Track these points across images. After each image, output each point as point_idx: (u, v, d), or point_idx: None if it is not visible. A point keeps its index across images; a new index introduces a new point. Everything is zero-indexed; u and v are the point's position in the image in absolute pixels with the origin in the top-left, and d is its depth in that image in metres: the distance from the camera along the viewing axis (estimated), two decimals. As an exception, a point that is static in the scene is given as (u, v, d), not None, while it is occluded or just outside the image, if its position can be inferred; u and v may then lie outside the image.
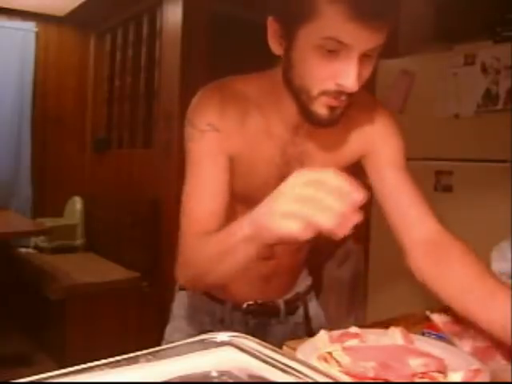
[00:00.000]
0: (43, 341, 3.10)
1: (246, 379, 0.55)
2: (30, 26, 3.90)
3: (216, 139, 0.93)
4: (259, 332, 1.10)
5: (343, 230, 0.61)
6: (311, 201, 0.61)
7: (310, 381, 0.51)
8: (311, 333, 1.11)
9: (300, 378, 0.52)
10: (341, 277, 3.03)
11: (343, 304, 3.00)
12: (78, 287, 2.95)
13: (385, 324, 0.91)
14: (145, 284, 3.18)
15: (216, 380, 0.55)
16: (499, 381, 0.73)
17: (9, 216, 3.45)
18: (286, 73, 0.89)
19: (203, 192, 0.92)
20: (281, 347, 0.98)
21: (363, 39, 0.78)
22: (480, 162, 2.29)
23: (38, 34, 3.95)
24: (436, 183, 2.43)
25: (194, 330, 1.09)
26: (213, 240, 0.83)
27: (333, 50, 0.79)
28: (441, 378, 0.70)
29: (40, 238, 3.76)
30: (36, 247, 3.80)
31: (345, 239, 3.10)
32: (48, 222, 3.59)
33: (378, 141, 1.01)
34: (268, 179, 0.96)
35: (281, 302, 1.15)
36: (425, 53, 2.57)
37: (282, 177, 0.90)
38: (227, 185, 0.92)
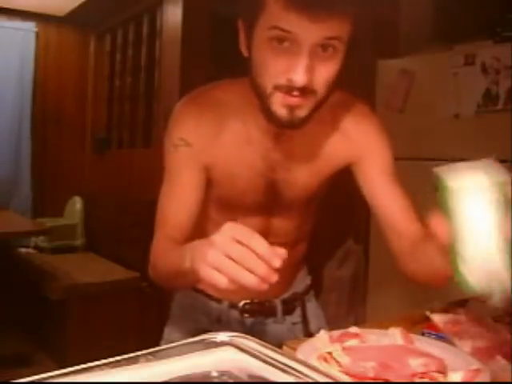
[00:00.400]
0: (43, 341, 3.10)
1: (246, 379, 0.55)
2: (30, 26, 3.90)
3: (187, 154, 0.97)
4: (256, 331, 1.10)
5: (261, 287, 0.66)
6: (239, 260, 0.65)
7: (309, 381, 0.51)
8: (309, 333, 1.12)
9: (300, 378, 0.52)
10: (341, 277, 3.03)
11: (343, 304, 3.00)
12: (78, 287, 2.95)
13: (385, 324, 0.91)
14: (145, 284, 3.17)
15: (216, 380, 0.55)
16: (499, 381, 0.73)
17: (9, 216, 3.45)
18: (250, 75, 0.89)
19: (173, 202, 0.99)
20: (279, 347, 0.97)
21: (310, 30, 0.77)
22: (480, 162, 2.28)
23: (38, 34, 3.95)
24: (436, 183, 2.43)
25: (192, 330, 1.09)
26: (173, 255, 0.86)
27: (281, 39, 0.79)
28: (441, 378, 0.70)
29: (40, 238, 3.76)
30: (36, 247, 3.80)
31: (345, 239, 3.10)
32: (48, 222, 3.59)
33: (368, 149, 1.02)
34: (250, 185, 0.99)
35: (278, 302, 1.15)
36: (425, 53, 2.57)
37: (268, 182, 1.01)
38: (195, 197, 0.97)
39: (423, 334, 0.93)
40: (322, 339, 0.78)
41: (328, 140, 1.01)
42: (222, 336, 0.61)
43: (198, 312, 1.13)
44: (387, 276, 2.72)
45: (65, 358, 2.81)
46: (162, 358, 0.55)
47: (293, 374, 0.52)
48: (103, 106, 4.15)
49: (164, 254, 0.92)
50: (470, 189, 0.63)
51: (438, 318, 0.94)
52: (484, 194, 0.62)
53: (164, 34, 3.25)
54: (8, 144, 3.86)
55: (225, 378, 0.55)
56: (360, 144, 1.02)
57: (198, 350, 0.58)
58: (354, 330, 0.82)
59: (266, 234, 0.94)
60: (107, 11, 3.76)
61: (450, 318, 0.94)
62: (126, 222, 3.39)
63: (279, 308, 1.15)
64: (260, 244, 0.65)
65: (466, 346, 0.84)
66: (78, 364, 0.52)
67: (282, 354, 0.56)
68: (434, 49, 2.52)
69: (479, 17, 2.41)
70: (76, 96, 4.21)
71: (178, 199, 0.98)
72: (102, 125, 4.15)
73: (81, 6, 3.67)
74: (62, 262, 3.40)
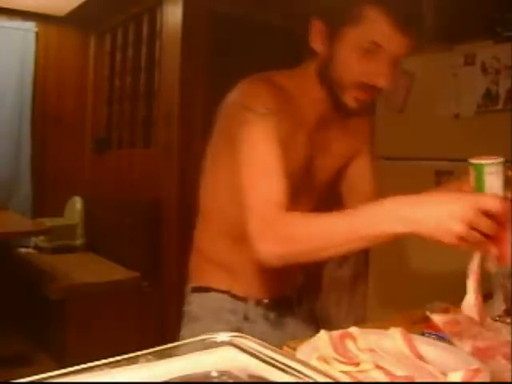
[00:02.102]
0: (43, 341, 3.10)
1: (246, 379, 0.55)
2: (30, 26, 3.89)
3: (274, 122, 0.99)
4: (278, 324, 1.19)
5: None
6: (479, 228, 0.74)
7: (309, 381, 0.51)
8: (317, 320, 1.29)
9: (300, 378, 0.52)
10: (341, 277, 3.03)
11: (343, 304, 3.00)
12: (77, 287, 2.95)
13: (385, 324, 0.91)
14: (145, 284, 3.18)
15: (216, 380, 0.55)
16: (499, 381, 0.73)
17: (9, 216, 3.45)
18: (322, 68, 1.02)
19: (271, 170, 0.95)
20: (293, 336, 1.11)
21: (398, 46, 0.94)
22: (480, 162, 2.28)
23: (37, 34, 3.95)
24: (436, 183, 2.43)
25: (223, 330, 1.10)
26: (335, 223, 0.85)
27: (371, 50, 0.94)
28: (441, 378, 0.70)
29: (40, 238, 3.75)
30: (36, 247, 3.79)
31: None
32: (48, 222, 3.58)
33: (367, 142, 1.24)
34: (294, 166, 1.05)
35: (293, 294, 1.24)
36: (425, 53, 2.57)
37: (306, 165, 1.11)
38: (283, 163, 0.97)
39: (423, 334, 0.93)
40: (322, 339, 0.78)
41: (347, 135, 1.17)
42: (222, 336, 0.61)
43: (226, 312, 1.16)
44: (387, 276, 2.72)
45: (65, 358, 2.81)
46: (162, 357, 0.55)
47: (293, 374, 0.52)
48: (103, 106, 4.15)
49: (308, 223, 0.88)
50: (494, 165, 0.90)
51: (437, 318, 0.94)
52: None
53: (164, 34, 3.25)
54: (8, 144, 3.86)
55: (225, 378, 0.55)
56: (362, 140, 1.22)
57: (197, 350, 0.58)
58: (353, 330, 0.82)
59: None
60: (107, 11, 3.76)
61: (450, 318, 0.94)
62: (126, 222, 3.39)
63: (295, 299, 1.25)
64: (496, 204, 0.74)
65: (466, 346, 0.84)
66: (78, 364, 0.52)
67: (281, 354, 0.56)
68: (434, 49, 2.52)
69: (479, 17, 2.41)
70: (76, 96, 4.21)
71: (274, 164, 0.95)
72: (101, 125, 4.15)
73: (81, 6, 3.67)
74: (62, 262, 3.40)
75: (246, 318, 1.16)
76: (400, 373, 0.71)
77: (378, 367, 0.72)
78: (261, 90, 1.02)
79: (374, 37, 0.93)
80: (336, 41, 0.98)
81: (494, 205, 0.74)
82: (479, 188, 0.90)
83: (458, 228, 0.73)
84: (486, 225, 0.74)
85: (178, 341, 1.15)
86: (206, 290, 1.19)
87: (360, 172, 1.24)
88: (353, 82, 0.98)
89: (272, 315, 1.19)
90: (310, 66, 1.07)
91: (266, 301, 1.17)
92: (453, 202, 0.76)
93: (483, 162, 0.93)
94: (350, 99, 1.01)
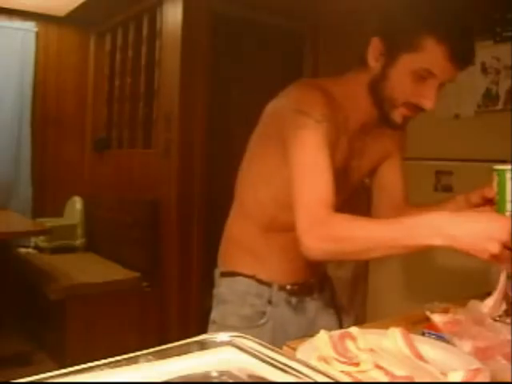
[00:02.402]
0: (43, 341, 3.10)
1: (246, 379, 0.55)
2: (30, 26, 3.89)
3: (327, 128, 1.06)
4: (299, 309, 1.26)
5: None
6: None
7: (309, 381, 0.51)
8: (337, 307, 1.37)
9: (300, 377, 0.52)
10: (341, 277, 3.03)
11: (343, 304, 3.00)
12: (77, 287, 2.95)
13: (385, 324, 0.91)
14: (145, 284, 3.18)
15: (216, 380, 0.55)
16: (499, 381, 0.73)
17: (9, 216, 3.45)
18: (376, 82, 1.10)
19: (322, 171, 1.03)
20: (313, 321, 1.27)
21: (448, 73, 1.05)
22: (480, 161, 2.28)
23: (37, 34, 3.95)
24: (436, 183, 2.43)
25: (249, 313, 1.22)
26: (379, 230, 0.94)
27: (424, 76, 1.03)
28: (441, 378, 0.70)
29: (40, 238, 3.75)
30: (36, 247, 3.80)
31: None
32: (48, 222, 3.59)
33: (398, 146, 1.32)
34: (337, 165, 1.11)
35: (315, 281, 1.30)
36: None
37: (345, 167, 1.19)
38: (332, 169, 1.06)
39: (423, 334, 0.93)
40: (322, 339, 0.78)
41: (382, 139, 1.25)
42: (222, 336, 0.61)
43: (252, 296, 1.23)
44: (387, 276, 2.72)
45: (65, 358, 2.81)
46: (162, 358, 0.55)
47: (293, 374, 0.52)
48: (103, 106, 4.15)
49: (358, 227, 0.96)
50: None
51: (438, 318, 0.94)
52: None
53: (164, 34, 3.25)
54: (8, 144, 3.86)
55: (225, 378, 0.55)
56: (395, 143, 1.30)
57: (197, 350, 0.58)
58: (353, 330, 0.82)
59: None
60: (107, 11, 3.76)
61: (450, 318, 0.94)
62: (126, 222, 3.39)
63: (316, 287, 1.31)
64: None
65: (466, 346, 0.84)
66: (78, 364, 0.52)
67: (281, 354, 0.56)
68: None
69: (479, 17, 2.41)
70: (76, 96, 4.21)
71: (326, 168, 1.03)
72: (101, 125, 4.15)
73: (81, 6, 3.67)
74: (62, 262, 3.40)
75: (269, 302, 1.23)
76: (399, 372, 0.71)
77: (378, 367, 0.72)
78: (316, 97, 1.08)
79: (429, 66, 1.02)
80: (393, 62, 1.06)
81: None
82: (502, 193, 0.95)
83: (494, 248, 0.82)
84: None
85: (210, 321, 1.25)
86: (234, 274, 1.26)
87: (391, 172, 1.32)
88: (403, 102, 1.07)
89: (294, 300, 1.25)
90: (359, 77, 1.14)
91: (288, 286, 1.24)
92: (490, 222, 0.86)
93: (506, 167, 0.96)
94: (397, 116, 1.10)
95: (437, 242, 0.86)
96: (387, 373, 0.71)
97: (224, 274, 1.29)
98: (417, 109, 1.08)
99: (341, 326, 1.33)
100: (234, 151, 5.13)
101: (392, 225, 0.94)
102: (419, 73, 1.03)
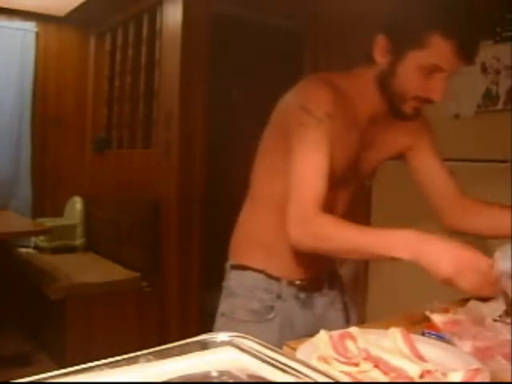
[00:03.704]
0: (43, 341, 3.10)
1: (246, 379, 0.55)
2: (30, 26, 3.89)
3: (329, 127, 1.09)
4: (307, 304, 1.28)
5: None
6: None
7: (309, 381, 0.51)
8: (345, 304, 1.36)
9: (300, 377, 0.52)
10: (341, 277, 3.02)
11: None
12: (77, 287, 2.95)
13: (385, 324, 0.91)
14: (145, 284, 3.18)
15: (216, 380, 0.55)
16: (499, 381, 0.73)
17: (9, 216, 3.45)
18: (384, 78, 1.12)
19: (317, 172, 1.08)
20: (322, 317, 1.29)
21: (455, 66, 1.07)
22: (480, 162, 2.28)
23: (37, 34, 3.95)
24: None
25: (257, 306, 1.24)
26: (356, 237, 1.02)
27: (432, 70, 1.06)
28: (441, 378, 0.70)
29: (40, 238, 3.75)
30: (36, 247, 3.80)
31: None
32: (48, 222, 3.59)
33: (422, 139, 1.32)
34: (346, 160, 1.16)
35: (324, 278, 1.32)
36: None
37: (355, 158, 1.21)
38: (329, 167, 1.09)
39: (423, 334, 0.93)
40: (322, 339, 0.78)
41: (391, 131, 1.27)
42: (221, 336, 0.61)
43: (261, 290, 1.24)
44: (387, 276, 2.72)
45: (65, 358, 2.81)
46: (162, 358, 0.55)
47: (293, 374, 0.52)
48: (103, 106, 4.15)
49: (339, 227, 1.04)
50: None
51: (438, 318, 0.94)
52: None
53: (164, 34, 3.25)
54: (8, 144, 3.86)
55: (225, 378, 0.55)
56: (417, 135, 1.31)
57: (197, 350, 0.58)
58: (353, 329, 0.82)
59: (334, 204, 1.21)
60: (107, 11, 3.76)
61: (450, 318, 0.94)
62: (126, 222, 3.39)
63: (325, 283, 1.32)
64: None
65: (466, 346, 0.84)
66: (77, 364, 0.52)
67: (281, 354, 0.56)
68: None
69: (479, 17, 2.41)
70: (76, 96, 4.21)
71: (322, 169, 1.08)
72: (101, 125, 4.15)
73: (81, 6, 3.67)
74: (62, 262, 3.40)
75: (278, 297, 1.24)
76: (395, 362, 0.71)
77: (377, 367, 0.72)
78: (321, 94, 1.11)
79: (437, 61, 1.05)
80: (400, 58, 1.08)
81: (484, 264, 0.91)
82: None
83: (444, 272, 0.91)
84: (471, 279, 0.91)
85: (219, 312, 1.27)
86: (243, 268, 1.27)
87: (430, 168, 1.32)
88: (412, 95, 1.10)
89: (302, 295, 1.27)
90: (367, 72, 1.16)
91: (298, 282, 1.26)
92: (456, 250, 0.93)
93: None
94: (408, 109, 1.13)
95: (405, 256, 0.95)
96: (385, 370, 0.71)
97: (234, 267, 1.30)
98: (426, 101, 1.12)
99: (348, 323, 1.34)
100: (234, 151, 5.16)
101: (368, 234, 1.02)
102: (427, 68, 1.06)
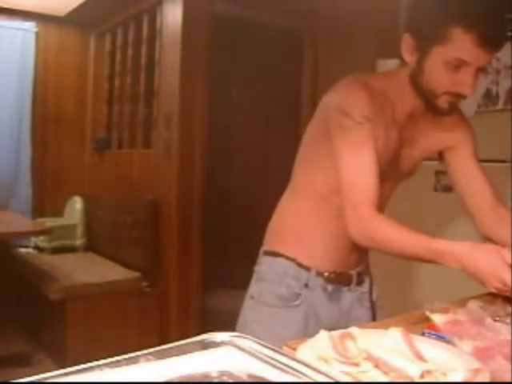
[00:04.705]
0: (43, 341, 3.10)
1: (246, 379, 0.55)
2: (30, 26, 3.89)
3: (370, 129, 1.13)
4: (334, 297, 1.30)
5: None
6: None
7: (309, 381, 0.51)
8: (372, 302, 1.37)
9: (300, 377, 0.52)
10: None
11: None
12: (77, 287, 2.95)
13: (385, 324, 0.91)
14: (145, 284, 3.18)
15: (216, 380, 0.55)
16: (499, 381, 0.73)
17: (9, 216, 3.45)
18: (414, 76, 1.15)
19: (367, 174, 1.12)
20: (347, 313, 1.31)
21: (481, 59, 1.07)
22: (480, 161, 2.28)
23: (37, 34, 3.95)
24: (436, 183, 2.43)
25: (284, 292, 1.27)
26: (408, 243, 1.06)
27: (458, 65, 1.07)
28: (441, 378, 0.70)
29: (40, 238, 3.76)
30: (36, 247, 3.80)
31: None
32: (48, 222, 3.59)
33: (463, 139, 1.33)
34: (386, 157, 1.19)
35: (354, 273, 1.33)
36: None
37: (395, 155, 1.24)
38: (378, 168, 1.14)
39: (423, 334, 0.93)
40: (323, 339, 0.78)
41: (435, 127, 1.29)
42: (221, 336, 0.61)
43: (289, 277, 1.27)
44: (387, 276, 2.71)
45: (65, 358, 2.81)
46: (162, 357, 0.55)
47: (293, 374, 0.52)
48: (103, 106, 4.15)
49: (389, 229, 1.08)
50: None
51: (438, 318, 0.94)
52: None
53: (164, 34, 3.25)
54: (8, 144, 3.86)
55: (225, 378, 0.55)
56: (459, 135, 1.32)
57: (197, 350, 0.58)
58: (353, 329, 0.82)
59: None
60: (107, 11, 3.76)
61: (450, 318, 0.94)
62: (126, 222, 3.39)
63: (354, 279, 1.33)
64: None
65: (466, 346, 0.84)
66: (77, 364, 0.52)
67: (282, 354, 0.56)
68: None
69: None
70: (76, 96, 4.21)
71: (369, 172, 1.12)
72: (101, 125, 4.15)
73: (81, 6, 3.67)
74: (62, 262, 3.40)
75: (305, 285, 1.27)
76: (395, 362, 0.71)
77: (377, 367, 0.72)
78: (359, 98, 1.14)
79: (460, 55, 1.06)
80: (425, 55, 1.11)
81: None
82: None
83: (491, 286, 0.97)
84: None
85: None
86: (276, 254, 1.30)
87: (468, 169, 1.33)
88: (443, 91, 1.12)
89: (330, 287, 1.29)
90: (403, 72, 1.19)
91: (326, 273, 1.28)
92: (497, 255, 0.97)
93: None
94: (443, 103, 1.14)
95: (455, 266, 1.00)
96: (385, 370, 0.71)
97: (267, 253, 1.33)
98: (459, 96, 1.13)
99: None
100: (234, 151, 5.16)
101: (420, 244, 1.04)
102: (452, 62, 1.07)
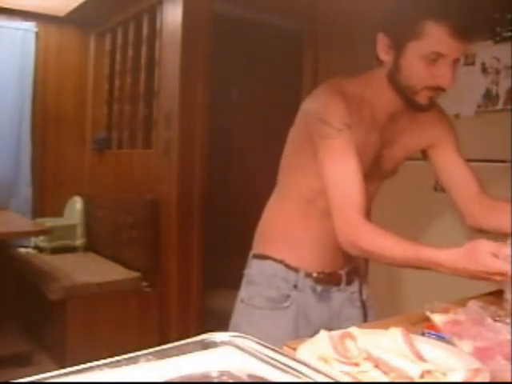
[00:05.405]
0: (43, 341, 3.10)
1: (246, 379, 0.55)
2: (30, 26, 3.89)
3: (349, 134, 1.14)
4: (323, 297, 1.31)
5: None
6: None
7: (309, 381, 0.51)
8: (363, 302, 1.37)
9: (300, 377, 0.52)
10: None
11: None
12: (77, 287, 2.95)
13: (385, 324, 0.91)
14: (145, 284, 3.18)
15: (216, 380, 0.55)
16: (499, 381, 0.73)
17: (9, 216, 3.45)
18: (392, 74, 1.16)
19: (352, 179, 1.13)
20: (337, 313, 1.32)
21: (456, 50, 1.08)
22: (480, 161, 2.28)
23: (37, 34, 3.95)
24: (436, 183, 2.43)
25: (274, 294, 1.28)
26: (396, 246, 1.05)
27: (435, 58, 1.09)
28: (441, 378, 0.70)
29: (40, 238, 3.75)
30: (36, 247, 3.79)
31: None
32: (48, 222, 3.59)
33: (444, 135, 1.33)
34: (367, 159, 1.19)
35: (343, 273, 1.34)
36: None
37: (376, 157, 1.25)
38: (361, 173, 1.14)
39: (423, 334, 0.93)
40: (322, 339, 0.78)
41: (414, 128, 1.30)
42: (221, 336, 0.61)
43: (278, 279, 1.29)
44: (387, 276, 2.72)
45: (65, 358, 2.81)
46: (162, 357, 0.55)
47: (293, 374, 0.52)
48: (103, 106, 4.15)
49: (377, 237, 1.08)
50: None
51: (438, 318, 0.94)
52: None
53: (164, 34, 3.25)
54: (8, 144, 3.85)
55: (225, 378, 0.55)
56: (440, 132, 1.33)
57: (197, 350, 0.58)
58: (353, 329, 0.82)
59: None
60: (107, 11, 3.76)
61: (450, 318, 0.94)
62: (126, 222, 3.39)
63: (344, 278, 1.34)
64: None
65: (466, 346, 0.84)
66: (77, 364, 0.52)
67: (282, 354, 0.56)
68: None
69: (479, 17, 2.41)
70: (76, 96, 4.21)
71: (354, 178, 1.13)
72: (101, 125, 4.15)
73: (81, 6, 3.67)
74: (62, 262, 3.40)
75: (295, 287, 1.28)
76: (395, 362, 0.71)
77: (377, 367, 0.72)
78: (337, 106, 1.15)
79: (436, 48, 1.08)
80: (401, 52, 1.12)
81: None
82: None
83: (486, 266, 0.93)
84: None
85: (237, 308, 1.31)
86: (264, 257, 1.32)
87: (452, 164, 1.34)
88: (422, 86, 1.13)
89: (319, 288, 1.30)
90: (380, 72, 1.20)
91: (315, 274, 1.29)
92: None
93: None
94: (422, 99, 1.15)
95: (443, 271, 0.99)
96: (385, 369, 0.71)
97: (255, 256, 1.35)
98: (438, 89, 1.14)
99: (365, 321, 1.35)
100: (234, 151, 5.15)
101: (407, 251, 1.03)
102: (429, 56, 1.09)
